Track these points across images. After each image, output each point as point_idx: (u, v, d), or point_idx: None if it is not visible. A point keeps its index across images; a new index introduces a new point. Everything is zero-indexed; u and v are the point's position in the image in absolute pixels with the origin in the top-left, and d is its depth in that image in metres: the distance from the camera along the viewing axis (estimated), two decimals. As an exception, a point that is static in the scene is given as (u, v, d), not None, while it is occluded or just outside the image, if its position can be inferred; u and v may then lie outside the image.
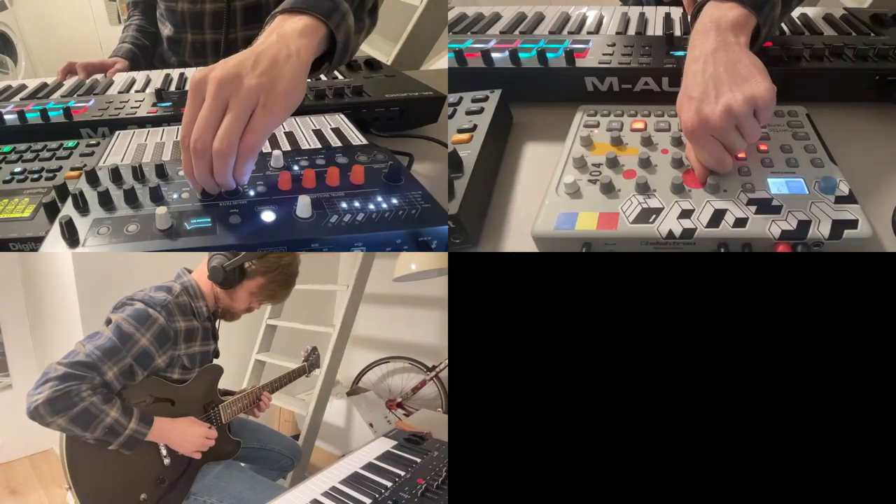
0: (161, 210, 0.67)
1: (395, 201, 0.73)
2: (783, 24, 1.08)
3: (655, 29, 1.09)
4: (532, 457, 0.74)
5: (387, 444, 1.21)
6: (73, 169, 0.86)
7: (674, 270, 0.71)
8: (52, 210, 0.72)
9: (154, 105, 1.05)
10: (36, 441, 2.53)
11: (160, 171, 0.79)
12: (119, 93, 1.18)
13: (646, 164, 0.77)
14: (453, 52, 0.99)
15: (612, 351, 0.73)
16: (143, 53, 1.66)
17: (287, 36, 0.72)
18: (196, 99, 0.67)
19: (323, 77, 1.20)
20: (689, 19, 0.90)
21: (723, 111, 0.68)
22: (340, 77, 1.20)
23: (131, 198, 0.72)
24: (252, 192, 0.74)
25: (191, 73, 1.27)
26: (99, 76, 1.33)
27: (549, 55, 0.97)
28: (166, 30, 1.61)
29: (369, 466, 1.10)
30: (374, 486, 1.01)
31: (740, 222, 0.67)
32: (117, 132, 0.96)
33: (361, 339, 2.69)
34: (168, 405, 1.15)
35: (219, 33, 1.51)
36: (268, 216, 0.70)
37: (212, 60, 1.54)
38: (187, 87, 1.16)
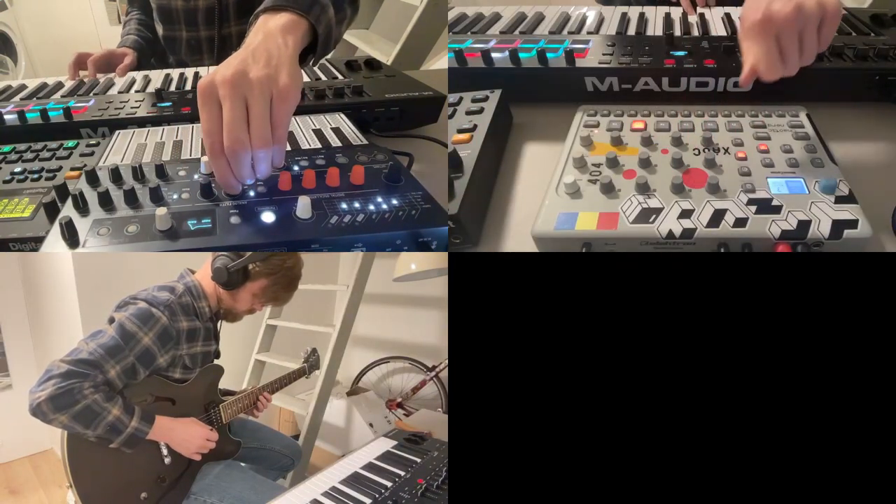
0: (161, 211, 0.67)
1: (395, 202, 0.73)
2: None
3: (655, 29, 1.09)
4: (532, 457, 0.74)
5: (387, 444, 1.21)
6: (73, 169, 0.86)
7: (674, 270, 0.71)
8: (52, 210, 0.72)
9: (154, 105, 1.05)
10: (36, 441, 2.53)
11: (160, 171, 0.79)
12: (119, 93, 1.18)
13: (646, 164, 0.77)
14: (453, 52, 0.99)
15: (612, 351, 0.73)
16: (147, 45, 1.66)
17: (272, 32, 0.75)
18: (210, 105, 0.68)
19: (323, 77, 1.20)
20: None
21: (794, 7, 0.69)
22: (340, 77, 1.20)
23: (131, 198, 0.72)
24: (252, 193, 0.74)
25: (190, 72, 1.27)
26: (100, 76, 1.33)
27: (549, 55, 0.97)
28: (160, 29, 1.61)
29: (369, 466, 1.10)
30: (374, 486, 1.01)
31: (740, 222, 0.67)
32: (117, 132, 0.96)
33: (361, 339, 2.69)
34: (169, 404, 1.15)
35: (212, 29, 1.51)
36: (268, 217, 0.70)
37: (207, 57, 1.55)
38: (187, 88, 1.17)
